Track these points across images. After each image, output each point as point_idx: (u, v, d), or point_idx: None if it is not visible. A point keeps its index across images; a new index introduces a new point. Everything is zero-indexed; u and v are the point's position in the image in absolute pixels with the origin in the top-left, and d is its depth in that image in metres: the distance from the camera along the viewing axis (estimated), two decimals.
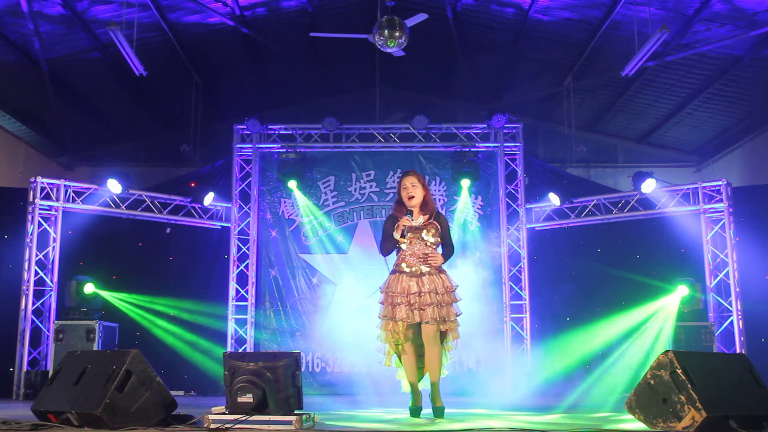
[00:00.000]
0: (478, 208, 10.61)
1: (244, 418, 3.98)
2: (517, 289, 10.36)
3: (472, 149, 10.53)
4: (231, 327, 10.28)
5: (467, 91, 12.32)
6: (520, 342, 10.20)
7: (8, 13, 8.85)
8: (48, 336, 9.18)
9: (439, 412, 5.09)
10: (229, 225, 10.59)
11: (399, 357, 5.33)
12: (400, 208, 5.33)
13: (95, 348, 8.62)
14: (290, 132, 10.82)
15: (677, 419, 3.73)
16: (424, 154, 10.78)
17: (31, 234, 9.30)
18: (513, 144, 10.69)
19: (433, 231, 5.27)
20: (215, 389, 9.30)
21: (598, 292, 9.60)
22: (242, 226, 10.63)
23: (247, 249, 10.56)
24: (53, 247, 9.48)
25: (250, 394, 4.06)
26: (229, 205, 10.62)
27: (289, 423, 3.96)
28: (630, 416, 4.05)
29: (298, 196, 10.51)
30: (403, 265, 5.24)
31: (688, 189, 9.77)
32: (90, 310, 8.99)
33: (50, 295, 9.38)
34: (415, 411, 5.18)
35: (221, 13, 9.68)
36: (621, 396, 7.58)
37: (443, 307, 5.16)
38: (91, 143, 12.53)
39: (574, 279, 9.88)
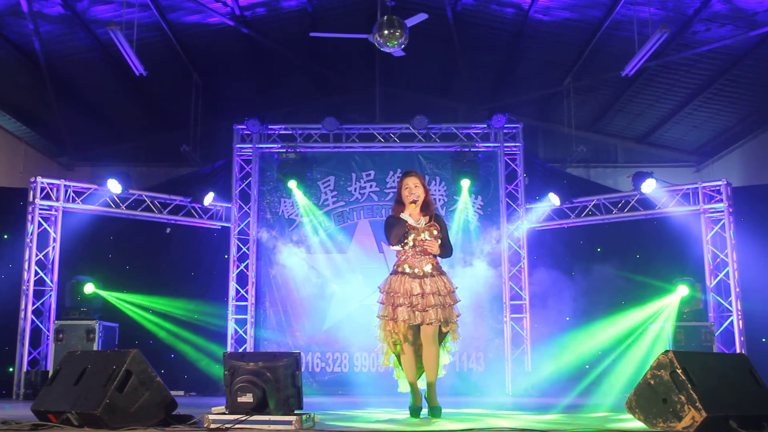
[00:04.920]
0: (478, 208, 10.61)
1: (244, 418, 3.98)
2: (517, 289, 10.36)
3: (472, 149, 10.53)
4: (231, 327, 10.28)
5: (467, 91, 12.33)
6: (520, 342, 10.20)
7: (8, 13, 8.86)
8: (48, 336, 9.19)
9: (436, 413, 5.08)
10: (229, 225, 10.59)
11: (397, 357, 5.33)
12: (400, 207, 5.33)
13: (95, 348, 8.62)
14: (290, 132, 10.82)
15: (677, 419, 3.72)
16: (424, 154, 10.78)
17: (31, 234, 9.30)
18: (513, 144, 10.69)
19: (435, 233, 5.28)
20: (215, 389, 9.31)
21: (598, 292, 9.60)
22: (242, 226, 10.63)
23: (247, 249, 10.56)
24: (53, 247, 9.48)
25: (250, 394, 4.06)
26: (229, 205, 10.62)
27: (289, 423, 3.96)
28: (630, 416, 4.04)
29: (298, 196, 10.51)
30: (406, 266, 5.23)
31: (688, 189, 9.77)
32: (90, 310, 9.00)
33: (50, 295, 9.39)
34: (415, 411, 5.17)
35: (221, 13, 9.68)
36: (621, 396, 7.59)
37: (446, 309, 5.15)
38: (91, 143, 12.53)
39: (574, 279, 9.88)
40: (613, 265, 9.68)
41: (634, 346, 9.12)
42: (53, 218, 9.56)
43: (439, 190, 10.61)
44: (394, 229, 5.24)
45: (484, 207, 10.63)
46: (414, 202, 5.23)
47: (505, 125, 10.52)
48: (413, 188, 5.28)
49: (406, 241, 5.24)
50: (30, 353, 9.11)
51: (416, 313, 5.10)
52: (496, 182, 10.63)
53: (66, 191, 9.65)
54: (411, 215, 5.26)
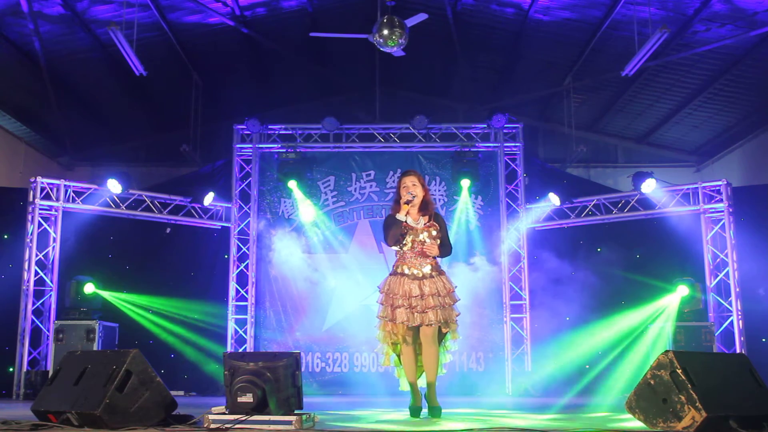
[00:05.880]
0: (478, 208, 10.61)
1: (244, 418, 3.98)
2: (517, 289, 10.36)
3: (472, 149, 10.53)
4: (231, 327, 10.28)
5: (467, 91, 12.33)
6: (520, 342, 10.20)
7: (8, 13, 8.85)
8: (48, 336, 9.19)
9: (436, 412, 5.08)
10: (229, 225, 10.59)
11: (398, 356, 5.33)
12: (398, 207, 5.30)
13: (95, 348, 8.62)
14: (290, 132, 10.82)
15: (677, 419, 3.72)
16: (424, 154, 10.78)
17: (31, 234, 9.30)
18: (513, 144, 10.69)
19: (434, 233, 5.27)
20: (215, 389, 9.31)
21: (598, 292, 9.60)
22: (242, 226, 10.64)
23: (247, 249, 10.56)
24: (53, 247, 9.48)
25: (250, 394, 4.06)
26: (229, 205, 10.62)
27: (289, 423, 3.96)
28: (630, 416, 4.04)
29: (298, 196, 10.51)
30: (405, 267, 5.22)
31: (688, 189, 9.77)
32: (90, 310, 9.00)
33: (50, 295, 9.39)
34: (415, 411, 5.17)
35: (221, 13, 9.68)
36: (621, 396, 7.58)
37: (445, 309, 5.14)
38: (91, 143, 12.53)
39: (574, 279, 9.87)
40: (613, 265, 9.68)
41: (634, 346, 9.13)
42: (53, 218, 9.56)
43: (439, 190, 10.61)
44: (390, 230, 5.22)
45: (484, 207, 10.63)
46: (408, 202, 5.20)
47: (505, 125, 10.53)
48: (410, 187, 5.27)
49: (404, 241, 5.23)
50: (30, 353, 9.11)
51: (415, 314, 5.09)
52: (496, 182, 10.63)
53: (66, 191, 9.65)
54: (410, 215, 5.25)
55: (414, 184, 5.29)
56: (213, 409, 4.18)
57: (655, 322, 9.09)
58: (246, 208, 10.69)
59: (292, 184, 10.43)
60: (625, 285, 9.61)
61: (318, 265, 10.47)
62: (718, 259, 9.42)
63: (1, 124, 11.12)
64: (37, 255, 9.34)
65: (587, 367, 9.47)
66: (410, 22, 8.30)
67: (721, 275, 9.36)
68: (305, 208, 10.53)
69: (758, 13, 8.56)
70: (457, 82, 12.25)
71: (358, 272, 10.28)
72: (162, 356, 9.47)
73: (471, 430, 4.07)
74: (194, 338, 9.90)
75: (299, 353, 4.26)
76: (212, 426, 3.95)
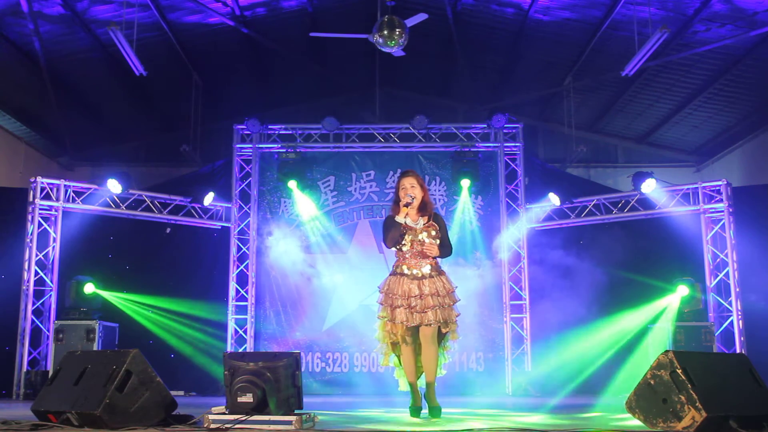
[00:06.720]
0: (478, 208, 10.61)
1: (244, 418, 3.98)
2: (517, 289, 10.36)
3: (472, 149, 10.53)
4: (231, 327, 10.28)
5: (467, 91, 12.33)
6: (520, 342, 10.20)
7: (8, 13, 8.85)
8: (48, 336, 9.19)
9: (435, 412, 5.07)
10: (229, 225, 10.59)
11: (398, 356, 5.33)
12: (398, 208, 5.30)
13: (95, 348, 8.62)
14: (290, 132, 10.82)
15: (677, 419, 3.72)
16: (424, 154, 10.78)
17: (31, 234, 9.30)
18: (513, 144, 10.69)
19: (433, 233, 5.26)
20: (215, 389, 9.31)
21: (598, 292, 9.59)
22: (242, 226, 10.64)
23: (247, 249, 10.56)
24: (53, 247, 9.48)
25: (250, 394, 4.06)
26: (229, 205, 10.62)
27: (289, 423, 3.96)
28: (630, 416, 4.04)
29: (298, 195, 10.51)
30: (404, 267, 5.21)
31: (688, 189, 9.77)
32: (90, 310, 9.00)
33: (50, 295, 9.39)
34: (415, 411, 5.17)
35: (221, 13, 9.68)
36: (621, 396, 7.58)
37: (445, 310, 5.13)
38: (91, 143, 12.53)
39: (574, 279, 9.86)
40: (613, 265, 9.68)
41: (634, 346, 9.13)
42: (53, 218, 9.56)
43: (439, 190, 10.61)
44: (389, 232, 5.22)
45: (484, 207, 10.63)
46: (407, 204, 5.19)
47: (505, 125, 10.53)
48: (409, 189, 5.25)
49: (403, 242, 5.23)
50: (30, 353, 9.11)
51: (414, 314, 5.08)
52: (496, 182, 10.63)
53: (66, 191, 9.65)
54: (409, 215, 5.24)
55: (413, 186, 5.27)
56: (213, 409, 4.18)
57: (655, 321, 9.09)
58: (246, 208, 10.69)
59: (292, 184, 10.43)
60: (625, 285, 9.60)
61: (318, 265, 10.47)
62: (718, 259, 9.42)
63: (1, 124, 11.13)
64: (37, 255, 9.34)
65: (587, 367, 9.45)
66: (410, 22, 8.30)
67: (721, 275, 9.36)
68: (305, 208, 10.53)
69: (758, 13, 8.56)
70: (457, 82, 12.25)
71: (358, 272, 10.28)
72: (162, 356, 9.46)
73: (471, 430, 4.07)
74: (194, 338, 9.89)
75: (299, 353, 4.26)
76: (212, 426, 3.95)
